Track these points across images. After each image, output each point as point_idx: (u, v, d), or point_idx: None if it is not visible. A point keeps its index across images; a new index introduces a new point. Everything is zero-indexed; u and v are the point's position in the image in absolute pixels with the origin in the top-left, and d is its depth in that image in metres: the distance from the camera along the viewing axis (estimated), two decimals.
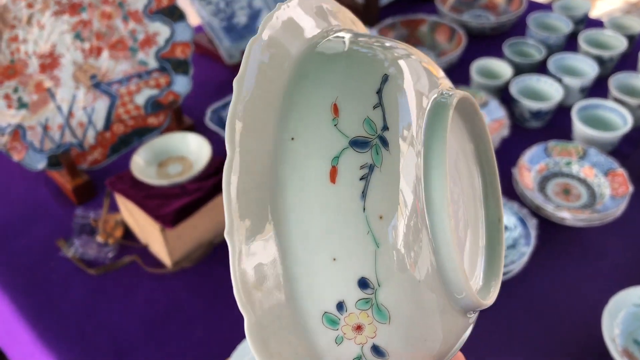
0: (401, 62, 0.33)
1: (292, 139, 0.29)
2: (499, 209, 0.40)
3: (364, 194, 0.28)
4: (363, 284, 0.29)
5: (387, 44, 0.34)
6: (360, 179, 0.28)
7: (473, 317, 0.36)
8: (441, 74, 0.37)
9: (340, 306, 0.29)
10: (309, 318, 0.30)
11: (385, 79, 0.31)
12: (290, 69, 0.31)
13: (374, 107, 0.30)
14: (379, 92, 0.30)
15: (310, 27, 0.34)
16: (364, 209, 0.28)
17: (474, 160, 0.40)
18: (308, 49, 0.33)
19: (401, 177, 0.29)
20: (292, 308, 0.30)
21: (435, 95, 0.33)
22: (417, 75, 0.33)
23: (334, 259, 0.28)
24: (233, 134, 0.28)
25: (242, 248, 0.28)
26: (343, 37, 0.34)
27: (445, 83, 0.36)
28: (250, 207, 0.29)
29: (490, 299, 0.35)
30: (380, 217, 0.28)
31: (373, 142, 0.29)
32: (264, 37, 0.31)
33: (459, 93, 0.33)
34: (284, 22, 0.32)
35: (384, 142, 0.29)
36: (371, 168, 0.29)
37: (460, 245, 0.35)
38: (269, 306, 0.29)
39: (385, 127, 0.29)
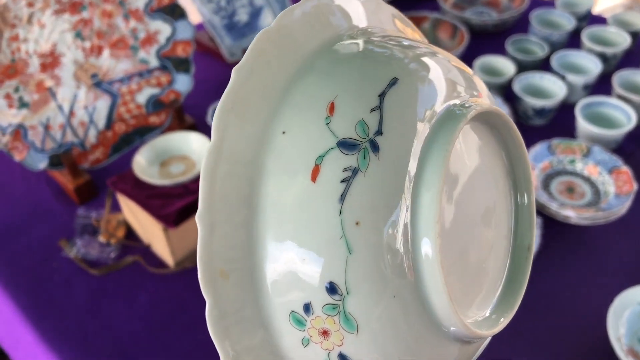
0: (425, 59, 0.31)
1: (284, 132, 0.29)
2: (530, 236, 0.36)
3: (342, 197, 0.27)
4: (331, 289, 0.28)
5: (409, 44, 0.33)
6: (342, 182, 0.27)
7: (479, 342, 0.34)
8: (479, 80, 0.34)
9: (307, 308, 0.28)
10: (276, 314, 0.29)
11: (393, 82, 0.29)
12: (301, 62, 0.31)
13: (372, 110, 0.28)
14: (382, 95, 0.29)
15: (335, 25, 0.33)
16: (340, 213, 0.27)
17: (506, 180, 0.36)
18: (324, 46, 0.32)
19: (387, 186, 0.28)
20: (259, 301, 0.29)
21: (451, 104, 0.30)
22: (447, 69, 0.32)
23: (304, 259, 0.28)
24: (221, 121, 0.28)
25: (212, 234, 0.28)
26: (365, 37, 0.33)
27: (481, 87, 0.34)
28: (226, 196, 0.28)
29: (495, 330, 0.32)
30: (357, 224, 0.27)
31: (362, 145, 0.28)
32: (276, 28, 0.30)
33: (483, 106, 0.30)
34: (306, 16, 0.31)
35: (375, 147, 0.28)
36: (355, 172, 0.27)
37: (460, 276, 0.32)
38: (235, 296, 0.28)
39: (379, 132, 0.28)
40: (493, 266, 0.35)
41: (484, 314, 0.34)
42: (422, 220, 0.28)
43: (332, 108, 0.28)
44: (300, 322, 0.29)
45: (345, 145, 0.28)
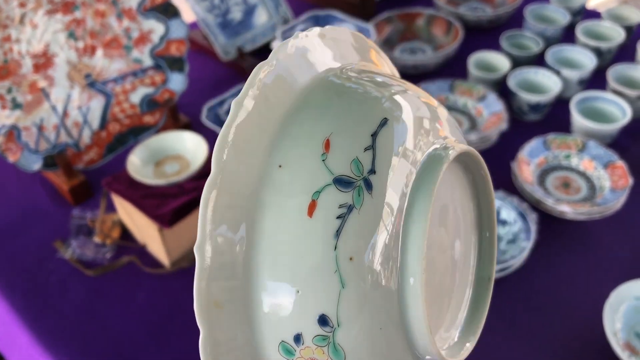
0: (398, 97, 0.33)
1: (280, 166, 0.30)
2: (491, 268, 0.39)
3: (337, 233, 0.28)
4: (323, 321, 0.29)
5: (389, 82, 0.34)
6: (337, 218, 0.28)
7: None
8: (442, 109, 0.36)
9: (297, 338, 0.29)
10: (266, 343, 0.30)
11: (383, 122, 0.31)
12: (295, 97, 0.32)
13: (365, 149, 0.30)
14: (374, 135, 0.30)
15: (326, 60, 0.34)
16: (335, 248, 0.28)
17: (473, 215, 0.39)
18: (317, 81, 0.33)
19: (380, 223, 0.29)
20: (251, 331, 0.30)
21: (434, 147, 0.32)
22: (417, 106, 0.33)
23: (298, 291, 0.28)
24: (221, 154, 0.29)
25: (210, 264, 0.28)
26: (353, 74, 0.34)
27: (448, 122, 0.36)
28: (224, 227, 0.29)
29: (462, 355, 0.35)
30: (351, 259, 0.28)
31: (357, 183, 0.29)
32: (273, 62, 0.31)
33: (460, 147, 0.33)
34: (299, 51, 0.32)
35: (368, 185, 0.29)
36: (350, 208, 0.28)
37: (434, 302, 0.34)
38: (228, 326, 0.29)
39: (372, 171, 0.29)
40: (458, 294, 0.38)
41: (453, 339, 0.36)
42: (410, 259, 0.29)
43: (327, 145, 0.29)
44: (289, 352, 0.30)
45: (341, 182, 0.29)
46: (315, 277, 0.28)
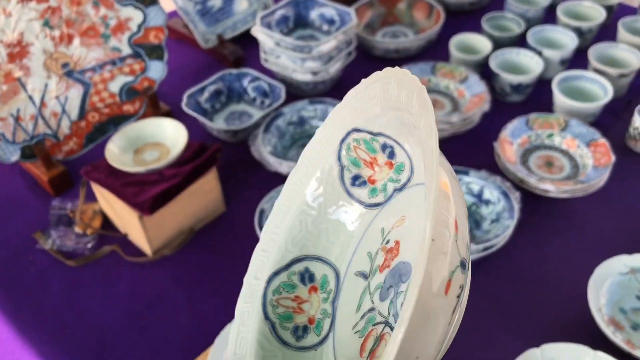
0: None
1: (433, 240, 0.31)
2: None
3: (454, 311, 0.32)
4: None
5: None
6: (457, 297, 0.32)
7: None
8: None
9: None
10: None
11: (468, 207, 0.34)
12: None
13: (470, 231, 0.34)
14: (468, 217, 0.34)
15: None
16: (449, 323, 0.32)
17: None
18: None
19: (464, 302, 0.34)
20: None
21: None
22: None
23: (417, 357, 0.31)
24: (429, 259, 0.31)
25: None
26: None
27: None
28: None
29: None
30: (452, 332, 0.33)
31: (467, 266, 0.33)
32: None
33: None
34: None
35: (464, 267, 0.33)
36: (462, 288, 0.32)
37: None
38: None
39: (469, 254, 0.33)
40: None
41: None
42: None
43: (456, 225, 0.32)
44: None
45: (463, 264, 0.32)
46: (432, 346, 0.31)
